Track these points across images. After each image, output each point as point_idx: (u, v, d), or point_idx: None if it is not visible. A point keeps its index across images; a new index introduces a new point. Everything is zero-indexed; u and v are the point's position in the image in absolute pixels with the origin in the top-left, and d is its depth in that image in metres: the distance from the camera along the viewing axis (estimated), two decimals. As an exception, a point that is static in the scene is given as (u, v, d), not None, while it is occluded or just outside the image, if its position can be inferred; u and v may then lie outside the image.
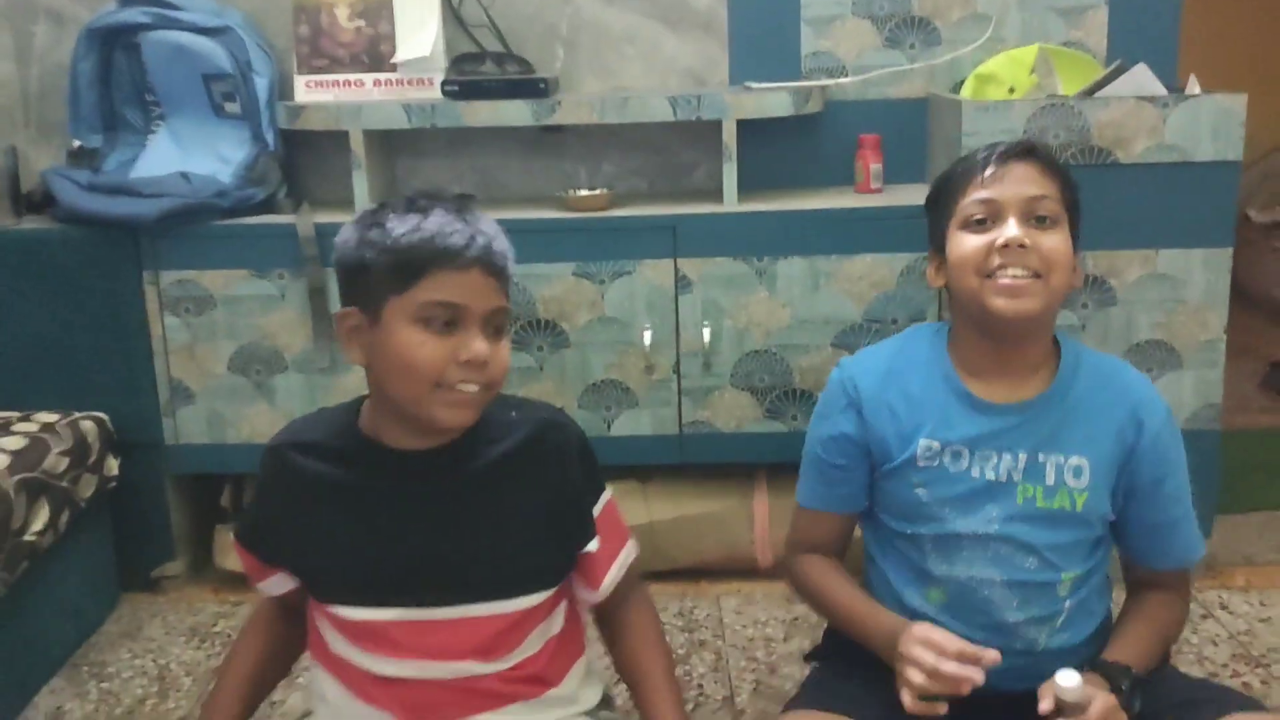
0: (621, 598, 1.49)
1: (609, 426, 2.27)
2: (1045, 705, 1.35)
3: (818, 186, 2.48)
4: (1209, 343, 2.18)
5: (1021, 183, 1.48)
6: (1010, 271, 1.45)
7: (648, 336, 2.23)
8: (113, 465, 2.22)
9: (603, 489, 1.47)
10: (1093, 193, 2.13)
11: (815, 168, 2.51)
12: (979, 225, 1.48)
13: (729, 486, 2.37)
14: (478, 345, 1.29)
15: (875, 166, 2.37)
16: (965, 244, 1.49)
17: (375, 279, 1.30)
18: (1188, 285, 2.16)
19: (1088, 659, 1.53)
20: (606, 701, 1.56)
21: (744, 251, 2.21)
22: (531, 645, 1.41)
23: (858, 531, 1.67)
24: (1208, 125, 2.09)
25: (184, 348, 2.28)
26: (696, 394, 2.27)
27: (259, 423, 2.30)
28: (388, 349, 1.30)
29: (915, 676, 1.37)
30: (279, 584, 1.48)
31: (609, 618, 1.52)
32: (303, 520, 1.38)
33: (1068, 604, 1.52)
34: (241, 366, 2.29)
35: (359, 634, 1.38)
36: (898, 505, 1.55)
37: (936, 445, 1.52)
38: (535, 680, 1.43)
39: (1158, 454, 1.52)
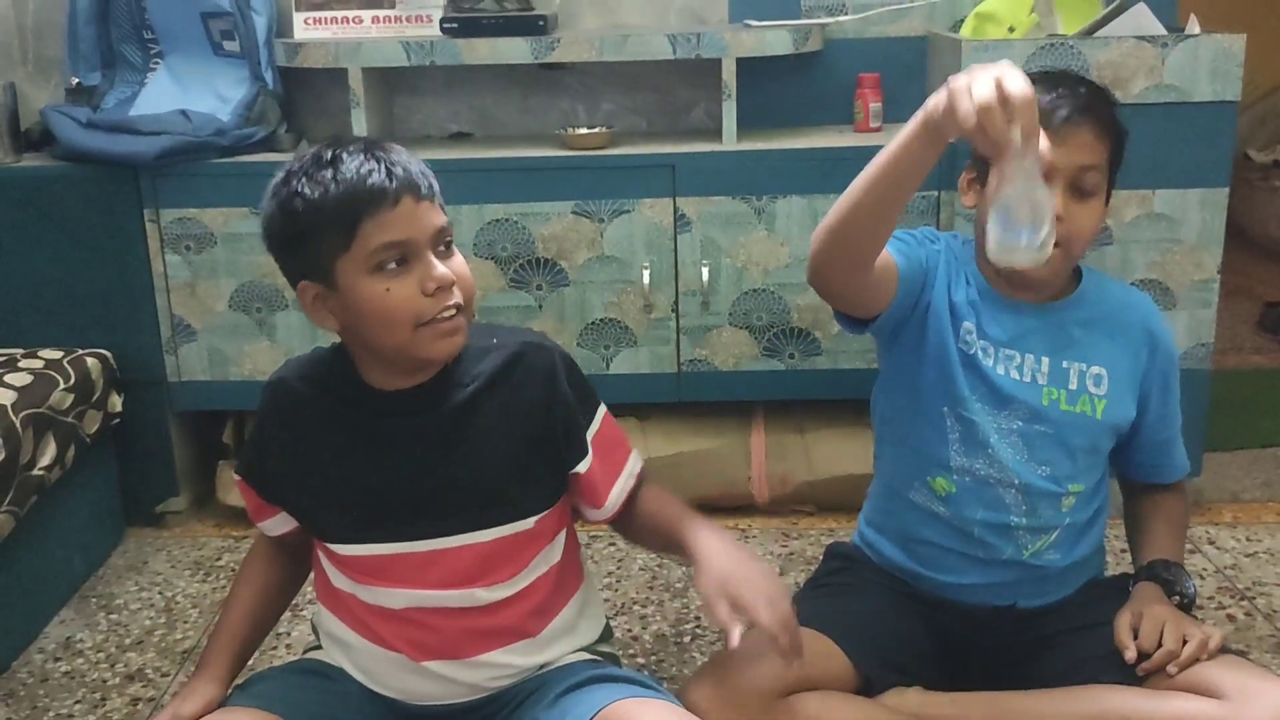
0: (632, 501, 1.50)
1: (608, 365, 2.30)
2: (1130, 655, 1.45)
3: (817, 125, 2.48)
4: (1203, 283, 2.20)
5: (1077, 150, 1.49)
6: None
7: (646, 275, 2.25)
8: (116, 402, 2.24)
9: (596, 407, 1.48)
10: (1090, 132, 2.14)
11: (814, 106, 2.50)
12: None
13: (726, 424, 2.39)
14: (438, 271, 1.30)
15: (874, 105, 2.37)
16: None
17: (314, 246, 1.30)
18: (1183, 225, 2.17)
19: (1075, 584, 1.60)
20: (606, 634, 1.60)
21: (743, 190, 2.22)
22: (533, 571, 1.44)
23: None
24: (1206, 65, 2.09)
25: (185, 285, 2.30)
26: (695, 332, 2.29)
27: (260, 360, 2.32)
28: (358, 308, 1.31)
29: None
30: (279, 524, 1.50)
31: (626, 526, 1.53)
32: (300, 456, 1.41)
33: (1066, 520, 1.59)
34: (242, 304, 2.30)
35: (360, 569, 1.41)
36: (936, 379, 1.58)
37: (974, 331, 1.57)
38: (538, 612, 1.46)
39: (1166, 374, 1.62)
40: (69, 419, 2.06)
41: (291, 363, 1.47)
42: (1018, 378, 1.57)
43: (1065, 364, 1.57)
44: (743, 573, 1.41)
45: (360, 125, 2.31)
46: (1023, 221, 1.24)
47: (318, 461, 1.40)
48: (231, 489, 2.39)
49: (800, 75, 2.50)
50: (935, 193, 2.20)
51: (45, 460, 1.98)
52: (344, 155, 1.28)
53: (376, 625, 1.42)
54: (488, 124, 2.61)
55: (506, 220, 2.24)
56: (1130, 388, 1.60)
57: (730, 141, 2.27)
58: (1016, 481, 1.57)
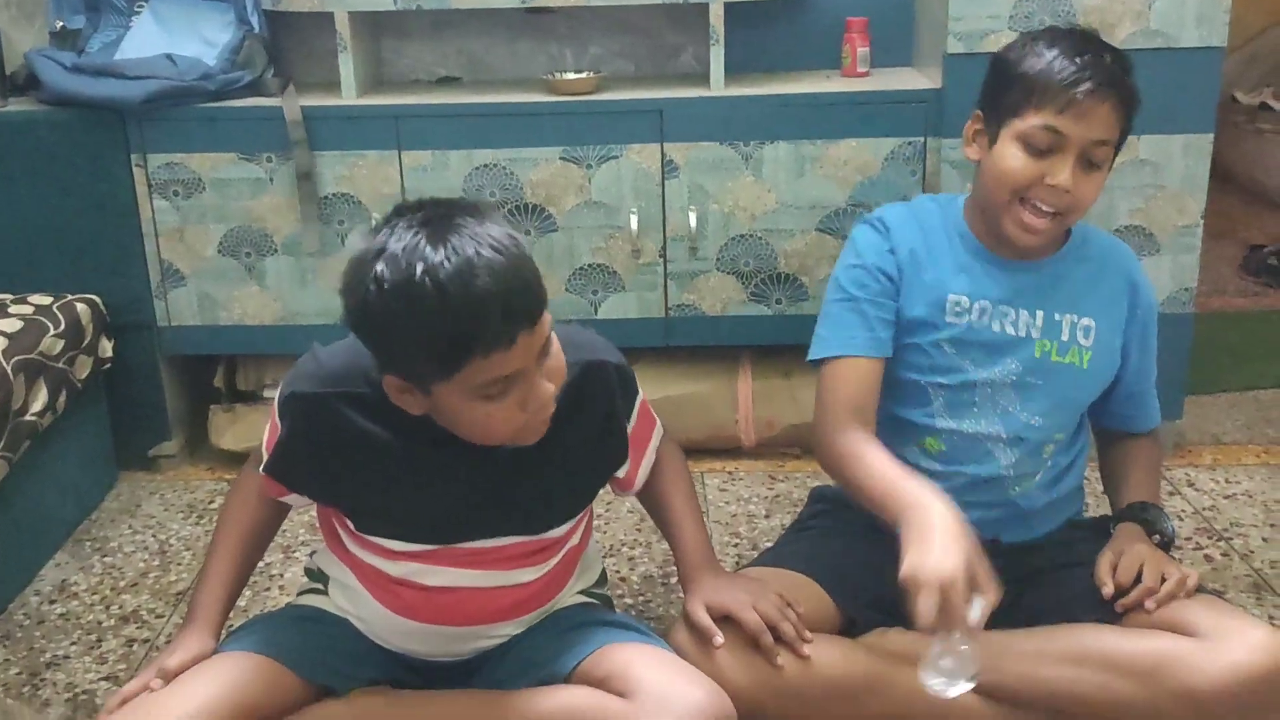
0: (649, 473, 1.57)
1: (595, 310, 2.31)
2: (1108, 591, 1.49)
3: (804, 70, 2.48)
4: (1186, 228, 2.21)
5: (1095, 125, 1.47)
6: (1039, 206, 1.50)
7: (634, 221, 2.26)
8: (107, 347, 2.25)
9: (635, 399, 1.50)
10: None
11: (802, 51, 2.50)
12: (1036, 148, 1.48)
13: (714, 368, 2.41)
14: (543, 395, 1.28)
15: (862, 50, 2.36)
16: (1013, 162, 1.50)
17: (410, 365, 1.25)
18: (1167, 171, 2.18)
19: (1055, 523, 1.64)
20: (602, 578, 1.63)
21: (730, 136, 2.22)
22: (561, 552, 1.49)
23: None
24: (1193, 10, 2.09)
25: (173, 230, 2.30)
26: (682, 278, 2.30)
27: (250, 305, 2.33)
28: (453, 416, 1.29)
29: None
30: (299, 502, 1.51)
31: (638, 493, 1.60)
32: (343, 468, 1.39)
33: (1049, 464, 1.63)
34: (231, 249, 2.31)
35: (394, 555, 1.43)
36: (918, 361, 1.61)
37: (965, 301, 1.59)
38: (557, 584, 1.51)
39: (1146, 327, 1.65)
40: (60, 364, 2.07)
41: (325, 367, 1.39)
42: (1013, 333, 1.59)
43: (1058, 316, 1.60)
44: (728, 584, 1.51)
45: (348, 69, 2.29)
46: (950, 672, 1.32)
47: (362, 474, 1.39)
48: (224, 433, 2.41)
49: (788, 19, 2.49)
50: (921, 139, 2.20)
51: (37, 406, 1.99)
52: (451, 265, 1.17)
53: (395, 591, 1.45)
54: (475, 68, 2.60)
55: (495, 166, 2.24)
56: (1115, 339, 1.63)
57: (718, 87, 2.27)
58: (1005, 435, 1.60)
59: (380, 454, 1.36)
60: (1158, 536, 1.58)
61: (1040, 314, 1.59)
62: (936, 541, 1.31)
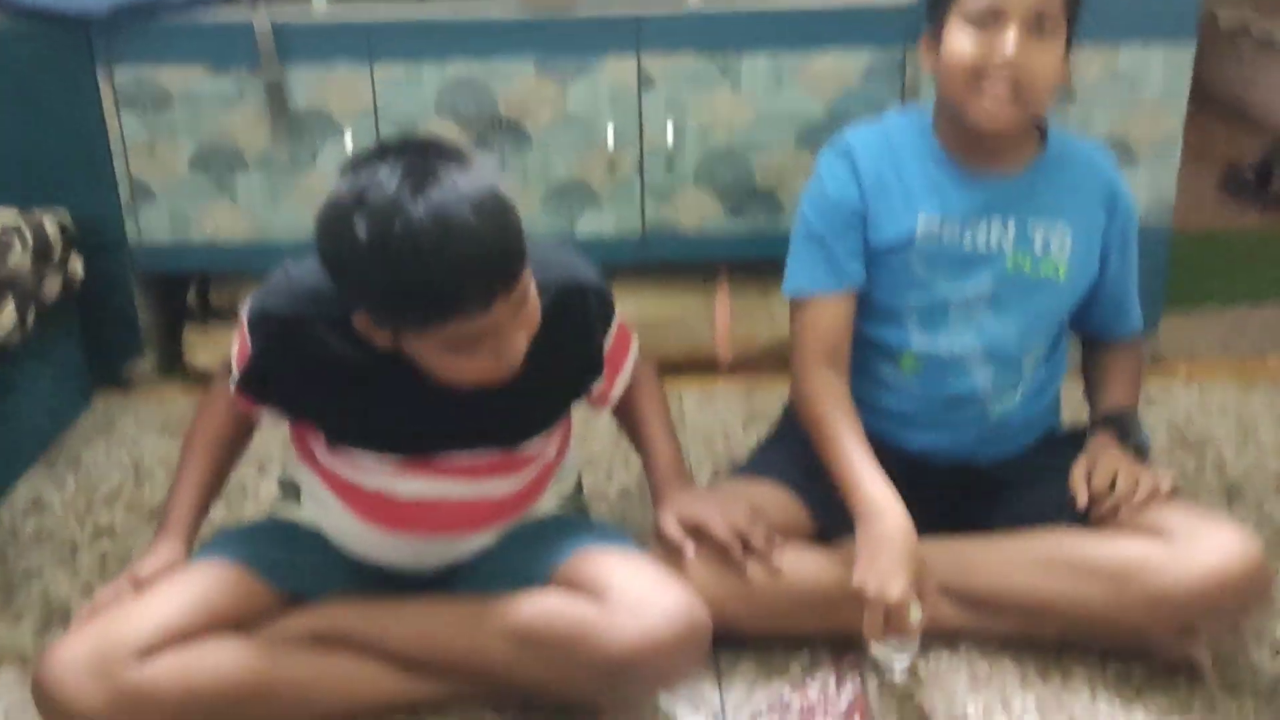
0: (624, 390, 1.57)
1: (572, 226, 2.29)
2: (1083, 499, 1.50)
3: (783, -18, 2.44)
4: (1165, 140, 2.20)
5: None
6: (995, 87, 1.45)
7: (610, 136, 2.23)
8: (77, 264, 2.22)
9: (611, 319, 1.49)
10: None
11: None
12: (980, 24, 1.46)
13: (691, 285, 2.40)
14: (515, 351, 1.27)
15: (841, -39, 2.32)
16: (961, 46, 1.47)
17: (383, 317, 1.25)
18: (1147, 83, 2.16)
19: (1032, 437, 1.64)
20: (578, 486, 1.64)
21: (707, 48, 2.19)
22: (539, 465, 1.50)
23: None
24: (1175, -83, 2.07)
25: (143, 146, 2.26)
26: (659, 193, 2.28)
27: (222, 221, 2.30)
28: (422, 361, 1.28)
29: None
30: (270, 416, 1.50)
31: (613, 409, 1.61)
32: (315, 387, 1.39)
33: (1027, 378, 1.62)
34: (203, 165, 2.27)
35: (366, 467, 1.43)
36: (889, 280, 1.60)
37: (936, 220, 1.57)
38: (534, 494, 1.52)
39: (1126, 232, 1.63)
40: (29, 282, 2.05)
41: (292, 293, 1.37)
42: (985, 248, 1.57)
43: (1031, 228, 1.58)
44: (699, 498, 1.53)
45: (317, -20, 2.25)
46: (896, 649, 1.44)
47: (336, 392, 1.38)
48: (198, 351, 2.39)
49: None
50: (900, 50, 2.17)
51: (6, 323, 1.96)
52: (430, 228, 1.15)
53: (367, 502, 1.45)
54: (448, -19, 2.54)
55: (469, 79, 2.21)
56: (1093, 247, 1.61)
57: (695, -2, 2.23)
58: (980, 351, 1.59)
59: (352, 373, 1.36)
60: (1131, 443, 1.58)
61: (1012, 226, 1.57)
62: (885, 558, 1.38)
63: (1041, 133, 1.60)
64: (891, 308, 1.60)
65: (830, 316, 1.58)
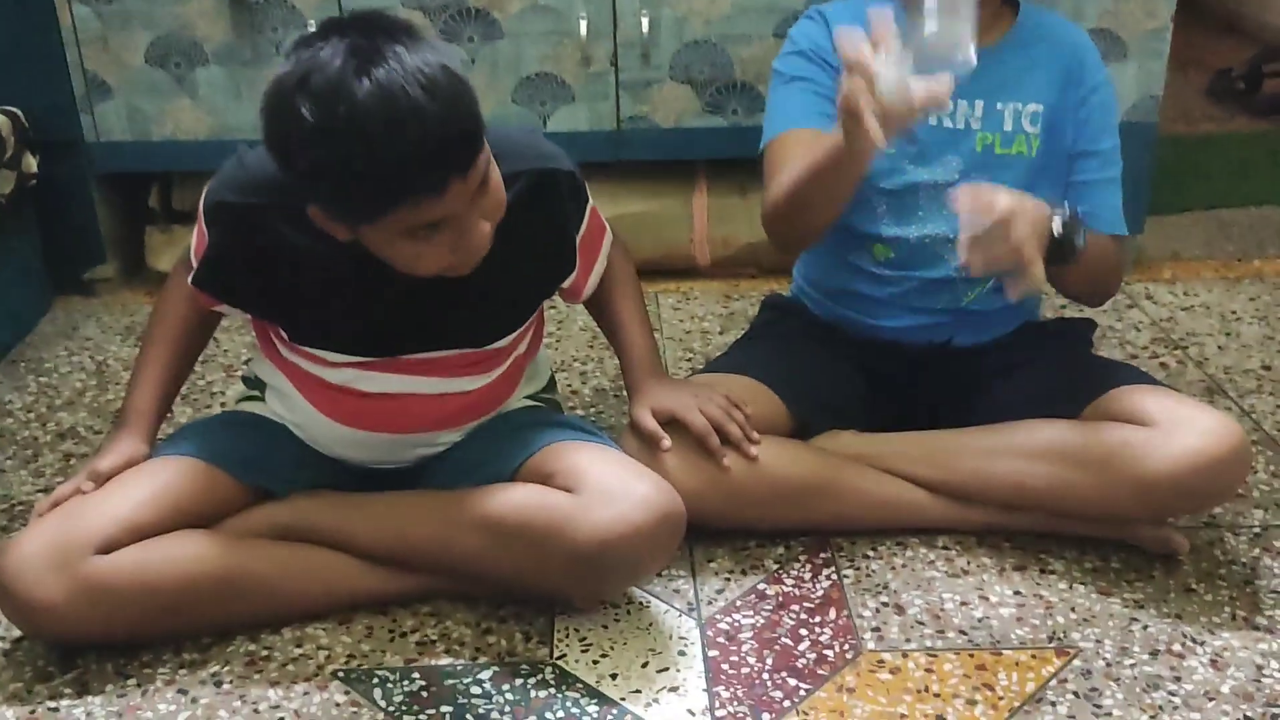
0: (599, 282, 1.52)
1: (544, 122, 2.23)
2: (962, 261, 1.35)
3: None
4: (1154, 32, 2.14)
5: None
6: None
7: (584, 26, 2.15)
8: (31, 162, 2.15)
9: (585, 207, 1.44)
10: None
11: None
12: None
13: (668, 184, 2.35)
14: (475, 243, 1.22)
15: None
16: None
17: (334, 205, 1.19)
18: (1137, -29, 2.11)
19: (1011, 325, 1.60)
20: (551, 384, 1.60)
21: (683, -67, 2.12)
22: (510, 358, 1.45)
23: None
24: None
25: (96, 38, 2.17)
26: (635, 87, 2.21)
27: (183, 119, 2.22)
28: (380, 251, 1.22)
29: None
30: (231, 312, 1.45)
31: (588, 304, 1.57)
32: (275, 282, 1.33)
33: None
34: (159, 59, 2.19)
35: (331, 364, 1.38)
36: None
37: None
38: (506, 389, 1.47)
39: (1100, 108, 1.55)
40: (-19, 178, 1.98)
41: (248, 183, 1.30)
42: (950, 125, 1.53)
43: (999, 105, 1.53)
44: (674, 390, 1.49)
45: None
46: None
47: (296, 286, 1.33)
48: (161, 255, 2.33)
49: None
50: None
51: (-42, 219, 1.90)
52: (376, 108, 1.09)
53: (333, 398, 1.40)
54: None
55: (436, -33, 2.13)
56: (1065, 121, 1.55)
57: (671, -120, 2.15)
58: (953, 236, 1.53)
59: (313, 267, 1.30)
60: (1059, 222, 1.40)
61: (980, 104, 1.52)
62: None
63: (1015, 9, 1.56)
64: (862, 196, 1.54)
65: (805, 143, 1.47)
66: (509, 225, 1.27)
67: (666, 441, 1.44)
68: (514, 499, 1.35)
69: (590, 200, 1.45)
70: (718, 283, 2.35)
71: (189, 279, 1.40)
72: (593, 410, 1.90)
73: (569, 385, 1.97)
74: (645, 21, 2.15)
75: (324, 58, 1.11)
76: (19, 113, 2.12)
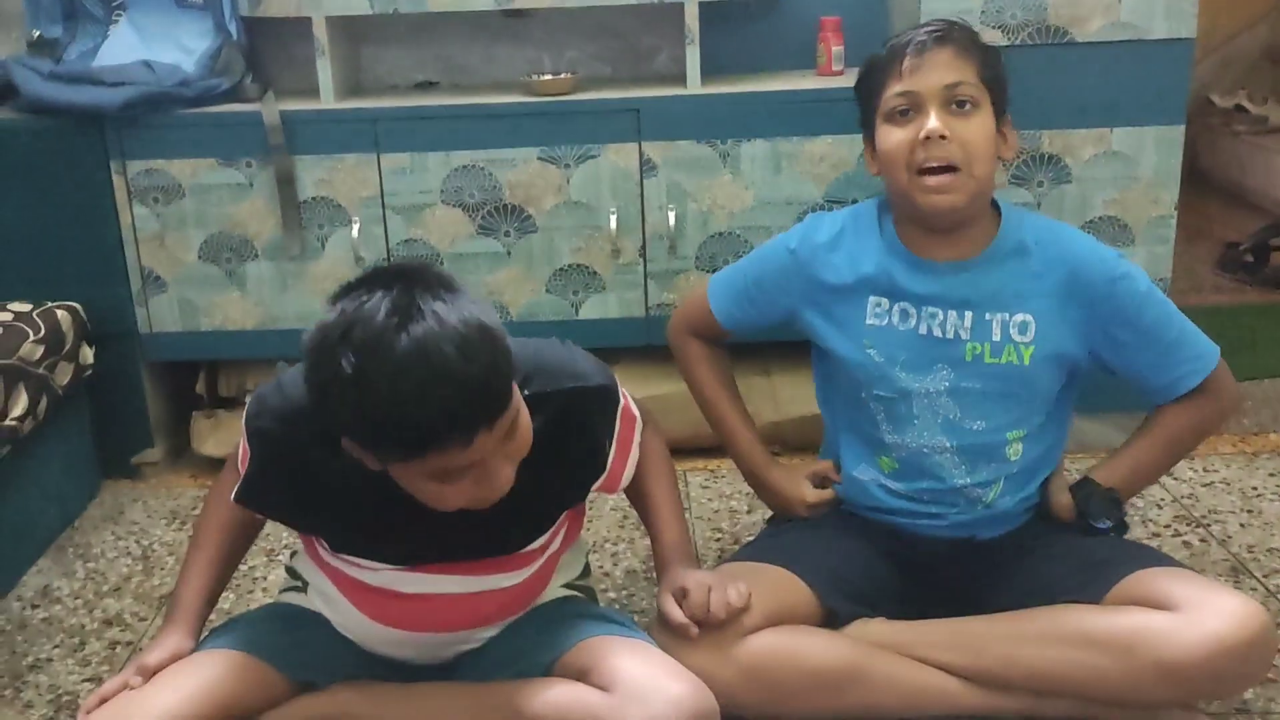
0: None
1: (576, 310, 2.32)
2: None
3: (779, 69, 2.50)
4: (1160, 218, 2.24)
5: (938, 70, 1.51)
6: (933, 166, 1.50)
7: (613, 220, 2.27)
8: (88, 354, 2.25)
9: (616, 411, 1.48)
10: (1049, 72, 2.18)
11: (777, 51, 2.52)
12: (902, 117, 1.53)
13: (695, 367, 2.42)
14: (499, 484, 1.27)
15: (836, 49, 2.38)
16: (891, 138, 1.54)
17: (363, 450, 1.24)
18: (1140, 163, 2.20)
19: (1028, 510, 1.64)
20: (586, 570, 1.64)
21: (707, 134, 2.24)
22: (545, 555, 1.50)
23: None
24: (1162, 2, 2.11)
25: (154, 237, 2.30)
26: (662, 276, 2.31)
27: (231, 310, 2.33)
28: (405, 484, 1.27)
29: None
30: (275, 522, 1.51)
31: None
32: (313, 501, 1.39)
33: (1015, 468, 1.61)
34: (212, 255, 2.31)
35: (370, 567, 1.44)
36: (850, 369, 1.62)
37: (885, 303, 1.59)
38: (540, 584, 1.52)
39: (1119, 301, 1.57)
40: (40, 370, 2.07)
41: (285, 409, 1.36)
42: (940, 334, 1.58)
43: (988, 316, 1.57)
44: (693, 572, 1.52)
45: (326, 75, 2.31)
46: None
47: (336, 513, 1.39)
48: (206, 439, 2.41)
49: (762, 19, 2.52)
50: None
51: (17, 411, 1.99)
52: (411, 368, 1.14)
53: (374, 599, 1.45)
54: (453, 73, 2.61)
55: (473, 167, 2.25)
56: (1063, 324, 1.57)
57: (694, 86, 2.29)
58: (949, 445, 1.59)
59: (349, 488, 1.35)
60: (1086, 524, 1.59)
61: (969, 315, 1.57)
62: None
63: (999, 218, 1.61)
64: (863, 404, 1.62)
65: (713, 331, 1.79)
66: (539, 444, 1.32)
67: (694, 630, 1.46)
68: (551, 697, 1.37)
69: (621, 401, 1.49)
70: (745, 461, 2.39)
71: (232, 495, 1.46)
72: (624, 593, 1.94)
73: (600, 567, 2.01)
74: (671, 216, 2.26)
75: (367, 311, 1.18)
76: (79, 307, 2.24)
